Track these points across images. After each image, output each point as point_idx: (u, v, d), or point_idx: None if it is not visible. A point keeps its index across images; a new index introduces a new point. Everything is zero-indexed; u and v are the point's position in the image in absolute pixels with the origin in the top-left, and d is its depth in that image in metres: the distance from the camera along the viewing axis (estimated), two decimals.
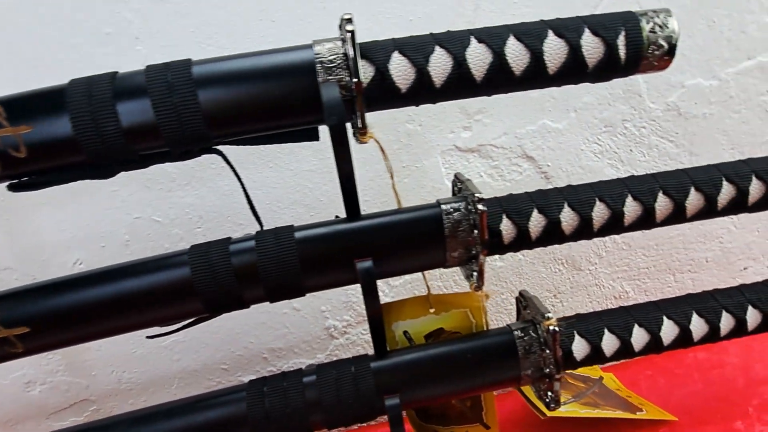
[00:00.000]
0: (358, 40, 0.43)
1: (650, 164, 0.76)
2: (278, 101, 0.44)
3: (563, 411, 0.61)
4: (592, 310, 0.57)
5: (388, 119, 0.68)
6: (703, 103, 0.74)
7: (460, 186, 0.53)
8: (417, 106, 0.48)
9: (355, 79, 0.42)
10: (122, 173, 0.48)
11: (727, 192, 0.53)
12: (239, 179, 0.51)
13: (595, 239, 0.76)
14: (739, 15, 0.72)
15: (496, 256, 0.77)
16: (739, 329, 0.57)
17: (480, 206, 0.47)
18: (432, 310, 0.59)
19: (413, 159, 0.70)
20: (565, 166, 0.74)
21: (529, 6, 0.66)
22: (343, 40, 0.43)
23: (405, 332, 0.59)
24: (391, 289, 0.76)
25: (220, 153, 0.49)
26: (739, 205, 0.54)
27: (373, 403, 0.51)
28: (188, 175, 0.67)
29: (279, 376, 0.54)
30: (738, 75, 0.74)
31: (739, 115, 0.76)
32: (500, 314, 0.80)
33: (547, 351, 0.53)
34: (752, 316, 0.57)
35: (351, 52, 0.42)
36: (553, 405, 0.55)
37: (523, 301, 0.59)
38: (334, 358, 0.56)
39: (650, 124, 0.74)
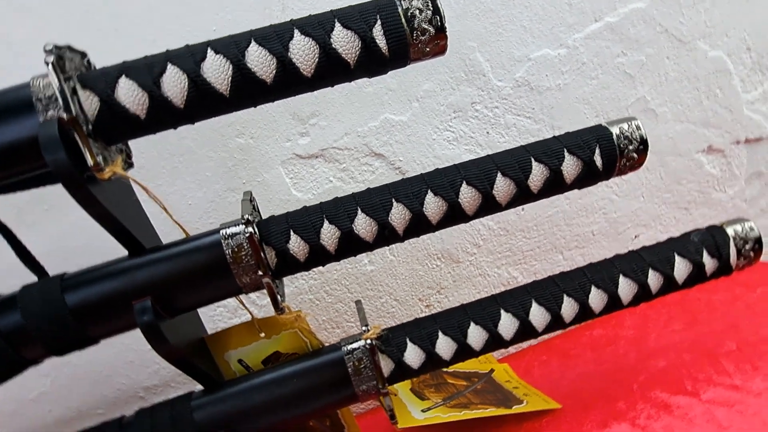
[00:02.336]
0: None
1: (511, 144, 0.72)
2: (5, 147, 0.41)
3: (420, 419, 0.58)
4: None
5: (216, 136, 0.64)
6: (554, 74, 0.71)
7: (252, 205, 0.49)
8: (174, 129, 0.44)
9: (66, 114, 0.38)
10: None
11: (539, 172, 0.50)
12: (6, 232, 0.48)
13: (467, 228, 0.73)
14: None
15: (366, 260, 0.74)
16: (556, 322, 0.54)
17: (248, 228, 0.44)
18: (262, 335, 0.56)
19: (252, 174, 0.66)
20: (418, 159, 0.70)
21: None
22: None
23: (240, 360, 0.56)
24: (260, 309, 0.73)
25: None
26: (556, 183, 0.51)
27: None
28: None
29: (97, 428, 0.51)
30: (587, 39, 0.70)
31: (597, 81, 0.72)
32: (383, 318, 0.77)
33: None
34: (594, 296, 0.54)
35: (56, 84, 0.38)
36: (392, 420, 0.53)
37: (359, 312, 0.56)
38: None
39: (502, 103, 0.70)
